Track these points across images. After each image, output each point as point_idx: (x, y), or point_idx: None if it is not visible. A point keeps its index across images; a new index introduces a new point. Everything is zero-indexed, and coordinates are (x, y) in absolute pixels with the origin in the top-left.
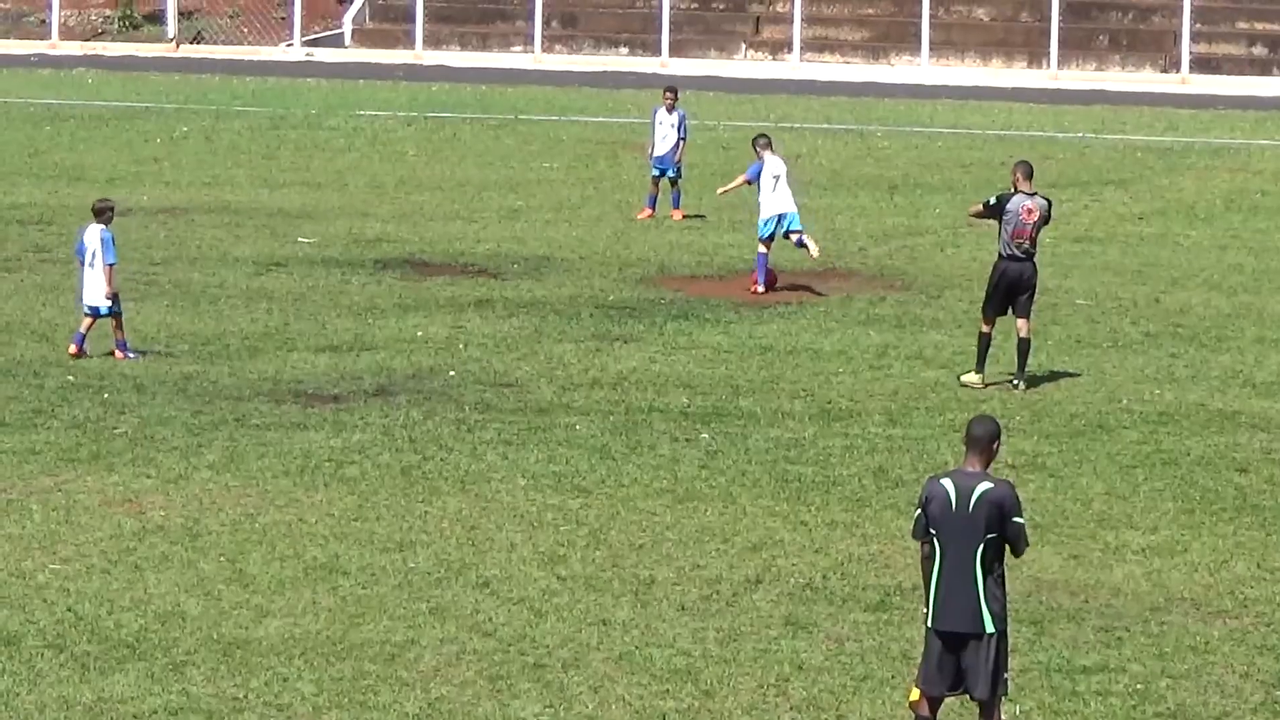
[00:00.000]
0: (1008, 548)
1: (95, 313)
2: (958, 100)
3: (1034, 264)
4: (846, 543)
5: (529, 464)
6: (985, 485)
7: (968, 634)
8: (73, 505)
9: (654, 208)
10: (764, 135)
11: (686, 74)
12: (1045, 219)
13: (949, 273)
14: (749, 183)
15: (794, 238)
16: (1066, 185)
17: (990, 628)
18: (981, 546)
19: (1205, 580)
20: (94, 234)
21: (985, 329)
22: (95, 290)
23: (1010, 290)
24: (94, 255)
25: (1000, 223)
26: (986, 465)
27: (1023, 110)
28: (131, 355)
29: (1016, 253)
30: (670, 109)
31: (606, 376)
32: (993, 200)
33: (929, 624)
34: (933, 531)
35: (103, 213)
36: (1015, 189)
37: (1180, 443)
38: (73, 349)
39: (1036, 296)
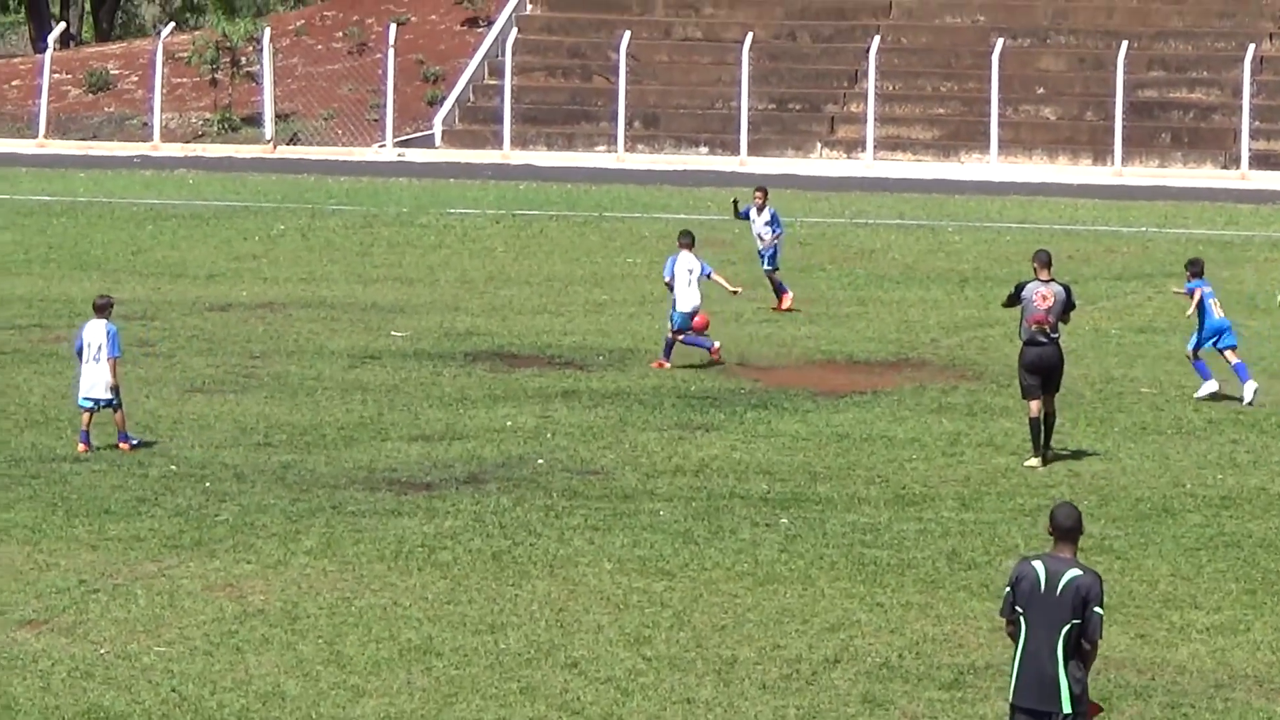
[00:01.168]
0: None
1: (95, 405)
2: (1025, 196)
3: (1058, 347)
4: (921, 623)
5: (615, 548)
6: (1074, 572)
7: (1045, 712)
8: (176, 590)
9: (783, 293)
10: (687, 232)
11: (764, 172)
12: (1066, 304)
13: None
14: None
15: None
16: (1130, 278)
17: (1067, 708)
18: (1066, 629)
19: (1268, 658)
20: (97, 329)
21: (1031, 414)
22: (97, 383)
23: (1037, 372)
24: (98, 349)
25: (1020, 310)
26: (1074, 551)
27: (1088, 205)
28: (134, 442)
29: (1038, 337)
30: (760, 208)
31: (689, 464)
32: (1013, 290)
33: (1010, 698)
34: (1019, 610)
35: (104, 309)
36: (1036, 277)
37: (1242, 525)
38: (81, 447)
39: (1063, 379)
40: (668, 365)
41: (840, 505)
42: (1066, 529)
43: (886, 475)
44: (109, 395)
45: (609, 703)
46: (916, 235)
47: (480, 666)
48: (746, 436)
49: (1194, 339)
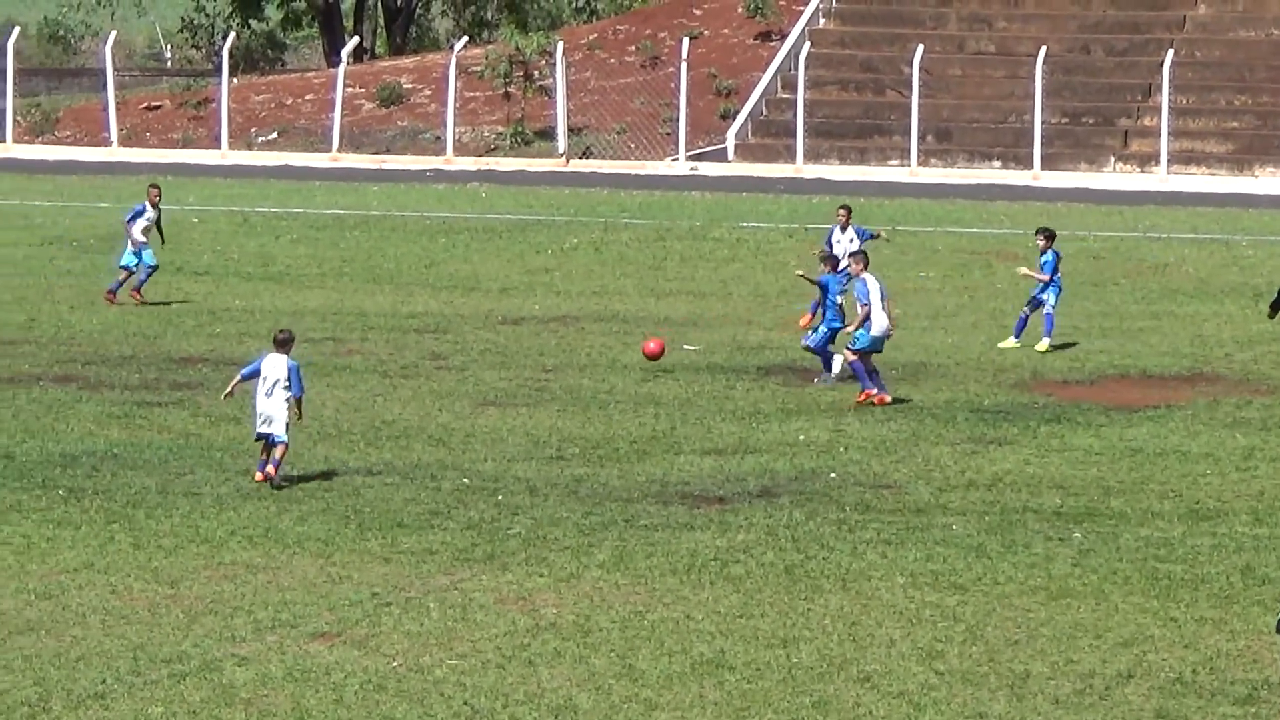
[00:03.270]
0: None
1: (271, 440)
2: None
3: None
4: (1215, 638)
5: (907, 562)
6: None
7: None
8: (468, 603)
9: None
10: (862, 253)
11: (1057, 186)
12: None
13: None
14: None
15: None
16: None
17: None
18: None
19: None
20: (278, 364)
21: None
22: (275, 418)
23: None
24: (274, 384)
25: None
26: None
27: None
28: (278, 477)
29: None
30: (844, 227)
31: (982, 478)
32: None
33: None
34: None
35: (285, 344)
36: None
37: None
38: (259, 476)
39: None
40: (886, 397)
41: (1134, 520)
42: None
43: (1180, 490)
44: (284, 434)
45: (901, 717)
46: (1210, 249)
47: (773, 681)
48: (1040, 451)
49: None
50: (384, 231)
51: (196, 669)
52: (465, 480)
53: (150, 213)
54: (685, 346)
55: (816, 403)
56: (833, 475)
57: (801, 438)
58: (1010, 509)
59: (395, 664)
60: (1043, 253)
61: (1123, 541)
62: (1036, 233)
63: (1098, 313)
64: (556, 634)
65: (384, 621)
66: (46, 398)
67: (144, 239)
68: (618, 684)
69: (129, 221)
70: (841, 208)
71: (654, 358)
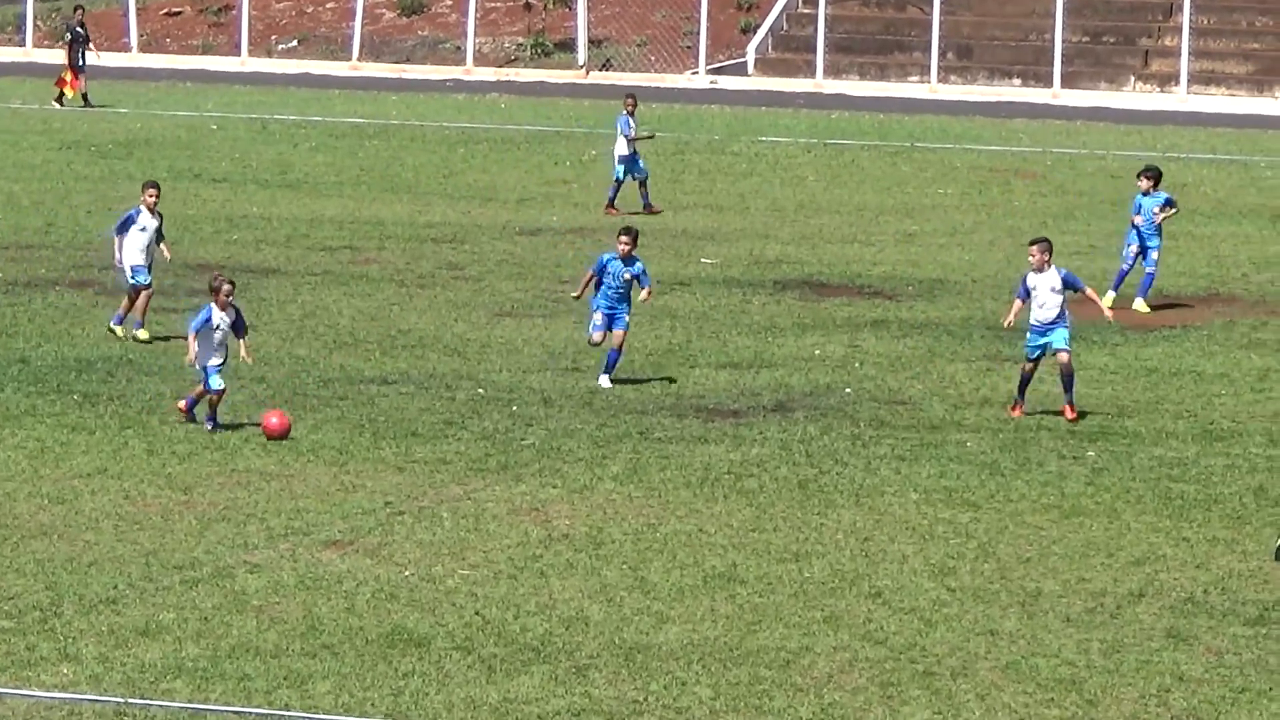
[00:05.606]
0: None
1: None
2: None
3: None
4: (1227, 559)
5: (921, 479)
6: None
7: None
8: (481, 513)
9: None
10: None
11: (1076, 104)
12: None
13: None
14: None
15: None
16: None
17: None
18: None
19: None
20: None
21: None
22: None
23: None
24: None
25: None
26: None
27: None
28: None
29: None
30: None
31: (997, 395)
32: None
33: None
34: None
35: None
36: None
37: None
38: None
39: None
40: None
41: (1147, 439)
42: None
43: (1194, 410)
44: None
45: (912, 633)
46: (1229, 170)
47: (784, 595)
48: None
49: None
50: (402, 141)
51: (208, 575)
52: (480, 390)
53: (149, 219)
54: (702, 260)
55: (832, 318)
56: (848, 390)
57: (817, 353)
58: (1024, 427)
59: (407, 573)
60: (1145, 194)
61: (1136, 461)
62: (1140, 175)
63: (1115, 232)
64: (569, 545)
65: (397, 531)
66: (63, 302)
67: (142, 259)
68: (629, 596)
69: (117, 232)
70: (628, 96)
71: (277, 435)
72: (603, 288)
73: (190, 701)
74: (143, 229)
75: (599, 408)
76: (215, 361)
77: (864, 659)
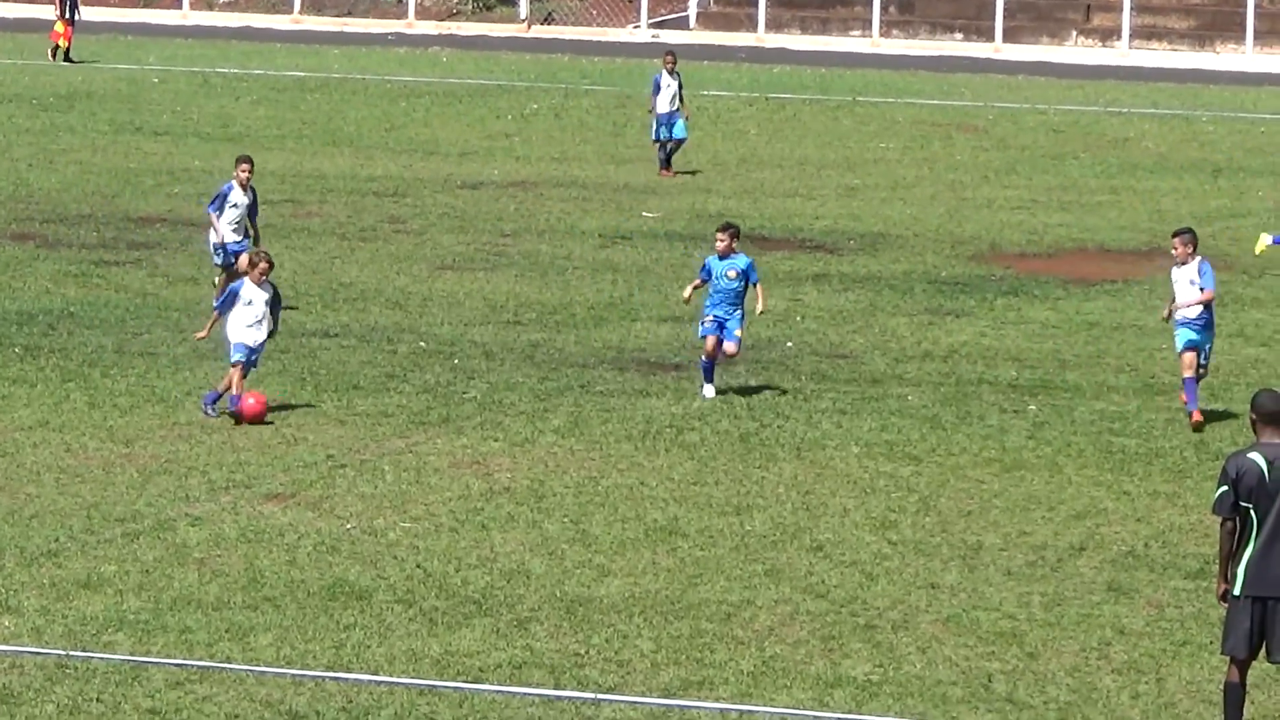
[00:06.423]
0: None
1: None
2: None
3: None
4: (1168, 512)
5: (862, 432)
6: None
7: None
8: (423, 466)
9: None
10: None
11: (1019, 59)
12: None
13: (1271, 254)
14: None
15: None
16: None
17: None
18: None
19: None
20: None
21: None
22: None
23: None
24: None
25: None
26: None
27: None
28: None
29: None
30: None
31: (938, 349)
32: None
33: (1240, 592)
34: (1246, 505)
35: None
36: None
37: None
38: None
39: None
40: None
41: (1089, 393)
42: (1272, 413)
43: (1136, 364)
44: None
45: (853, 586)
46: (1170, 125)
47: (725, 548)
48: (996, 323)
49: None
50: (344, 94)
51: (150, 528)
52: (422, 344)
53: (240, 195)
54: (644, 214)
55: (774, 272)
56: (789, 344)
57: (758, 306)
58: (966, 381)
59: (349, 526)
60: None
61: (1077, 415)
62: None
63: (1056, 186)
64: (510, 498)
65: (338, 484)
66: (3, 255)
67: (236, 236)
68: (570, 549)
69: (213, 210)
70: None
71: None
72: (710, 291)
73: (132, 654)
74: (234, 205)
75: (540, 361)
76: (244, 339)
77: (805, 612)
